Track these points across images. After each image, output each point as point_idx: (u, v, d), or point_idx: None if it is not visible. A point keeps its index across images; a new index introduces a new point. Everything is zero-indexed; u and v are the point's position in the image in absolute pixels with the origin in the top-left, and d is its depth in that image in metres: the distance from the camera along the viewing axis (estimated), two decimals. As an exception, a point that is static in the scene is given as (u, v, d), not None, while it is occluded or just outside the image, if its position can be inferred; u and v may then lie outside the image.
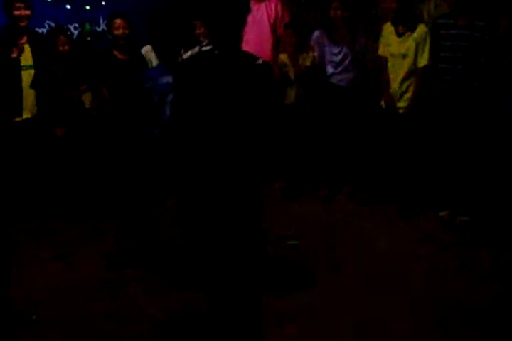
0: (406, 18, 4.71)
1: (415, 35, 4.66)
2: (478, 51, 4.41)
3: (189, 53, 4.33)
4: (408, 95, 4.77)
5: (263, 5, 5.38)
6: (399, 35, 4.74)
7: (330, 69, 5.11)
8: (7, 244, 3.17)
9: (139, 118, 4.32)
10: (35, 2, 4.93)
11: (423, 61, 4.66)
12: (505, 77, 4.45)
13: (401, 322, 3.37)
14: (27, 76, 4.78)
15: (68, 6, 5.50)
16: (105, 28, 5.51)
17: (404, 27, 4.70)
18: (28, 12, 4.72)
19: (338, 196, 5.26)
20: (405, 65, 4.73)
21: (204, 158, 2.66)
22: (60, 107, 4.89)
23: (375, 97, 5.04)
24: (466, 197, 4.66)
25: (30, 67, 4.79)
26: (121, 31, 4.92)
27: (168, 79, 3.45)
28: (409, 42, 4.68)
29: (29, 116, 4.86)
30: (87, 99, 5.05)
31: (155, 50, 4.90)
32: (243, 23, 2.67)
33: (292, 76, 5.16)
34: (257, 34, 5.30)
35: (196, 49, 4.70)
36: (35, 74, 4.81)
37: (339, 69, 5.08)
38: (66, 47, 4.87)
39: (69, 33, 5.21)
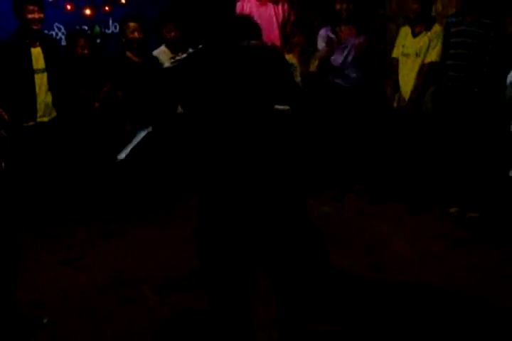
0: (424, 19, 4.76)
1: (429, 33, 4.71)
2: (484, 48, 4.44)
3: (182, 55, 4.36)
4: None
5: (270, 5, 5.42)
6: (414, 35, 4.79)
7: (334, 66, 5.13)
8: (12, 248, 3.19)
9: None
10: (44, 5, 4.92)
11: (430, 57, 4.71)
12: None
13: (412, 320, 3.39)
14: (39, 80, 4.80)
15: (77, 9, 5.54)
16: (115, 31, 5.57)
17: (422, 26, 4.75)
18: (41, 15, 4.70)
19: (348, 195, 5.29)
20: (417, 65, 4.78)
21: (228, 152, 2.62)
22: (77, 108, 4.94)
23: (382, 97, 5.09)
24: (476, 193, 4.68)
25: (42, 70, 4.81)
26: (135, 34, 4.98)
27: None
28: (423, 41, 4.73)
29: (44, 119, 4.89)
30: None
31: None
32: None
33: (299, 76, 5.19)
34: (265, 35, 5.33)
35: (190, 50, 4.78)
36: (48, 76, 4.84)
37: (342, 66, 5.10)
38: (85, 51, 4.93)
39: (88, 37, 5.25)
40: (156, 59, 5.10)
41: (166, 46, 5.45)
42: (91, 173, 5.04)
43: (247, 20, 3.62)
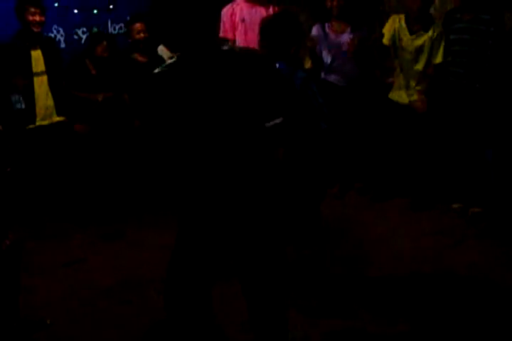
0: (423, 18, 4.78)
1: (430, 33, 4.74)
2: (484, 44, 4.47)
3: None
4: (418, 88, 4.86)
5: (260, 7, 5.34)
6: (411, 32, 4.81)
7: (326, 64, 5.13)
8: (13, 249, 3.19)
9: None
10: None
11: (438, 58, 4.75)
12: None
13: (419, 315, 3.40)
14: (39, 82, 4.80)
15: (76, 11, 5.54)
16: (113, 32, 5.57)
17: (419, 25, 4.78)
18: (42, 18, 4.70)
19: (350, 192, 5.29)
20: (420, 61, 4.81)
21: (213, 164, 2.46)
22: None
23: (379, 93, 5.10)
24: (478, 188, 4.68)
25: (42, 73, 4.81)
26: (141, 35, 5.04)
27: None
28: (425, 40, 4.75)
29: (44, 123, 4.88)
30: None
31: None
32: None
33: None
34: (257, 36, 5.31)
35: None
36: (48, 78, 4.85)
37: (335, 64, 5.11)
38: (105, 54, 5.02)
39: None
40: (160, 57, 5.10)
41: (164, 45, 5.45)
42: (91, 175, 5.04)
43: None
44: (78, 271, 4.15)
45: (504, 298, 3.56)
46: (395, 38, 4.88)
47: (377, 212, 4.92)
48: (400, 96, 4.95)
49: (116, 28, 5.66)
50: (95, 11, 5.63)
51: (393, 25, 4.90)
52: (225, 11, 5.39)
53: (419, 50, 4.77)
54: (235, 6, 5.39)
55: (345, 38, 5.03)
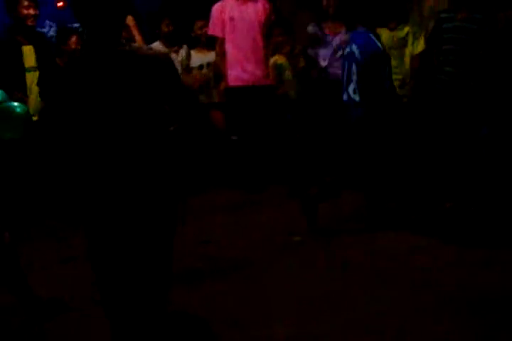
0: (397, 14, 5.02)
1: (408, 27, 4.99)
2: (477, 43, 4.52)
3: None
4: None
5: (250, 4, 5.31)
6: (391, 29, 5.02)
7: (322, 63, 5.10)
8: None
9: None
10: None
11: (419, 47, 4.95)
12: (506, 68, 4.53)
13: (403, 315, 3.32)
14: (31, 78, 4.74)
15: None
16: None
17: (394, 22, 5.03)
18: (36, 11, 4.64)
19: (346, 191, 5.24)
20: (407, 53, 5.03)
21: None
22: None
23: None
24: (471, 188, 4.67)
25: (34, 68, 4.75)
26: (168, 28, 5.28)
27: None
28: (405, 32, 5.00)
29: (35, 118, 4.82)
30: None
31: None
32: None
33: (290, 76, 5.14)
34: (248, 35, 5.28)
35: None
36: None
37: (331, 62, 5.06)
38: (78, 47, 4.94)
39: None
40: None
41: (161, 41, 5.42)
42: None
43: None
44: (74, 267, 4.10)
45: (490, 294, 3.50)
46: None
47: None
48: None
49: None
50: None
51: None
52: (215, 9, 5.35)
53: (402, 44, 4.97)
54: (225, 3, 5.34)
55: (341, 38, 4.99)
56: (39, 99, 4.79)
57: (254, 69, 5.33)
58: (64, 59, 4.97)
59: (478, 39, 4.51)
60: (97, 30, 2.37)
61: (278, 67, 5.18)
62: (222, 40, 5.35)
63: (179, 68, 5.39)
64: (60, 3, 5.51)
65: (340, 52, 4.96)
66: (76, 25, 5.45)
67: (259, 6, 5.32)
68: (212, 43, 5.50)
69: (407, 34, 5.00)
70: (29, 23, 4.64)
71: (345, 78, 4.32)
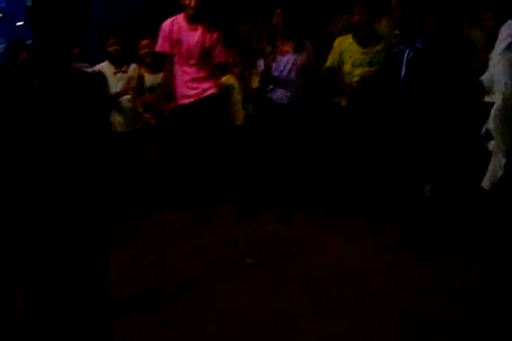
0: (370, 32, 4.95)
1: (382, 45, 4.92)
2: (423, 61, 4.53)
3: None
4: None
5: (200, 31, 5.24)
6: (364, 45, 4.94)
7: (269, 86, 5.13)
8: None
9: None
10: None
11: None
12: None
13: (357, 336, 3.32)
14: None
15: (21, 23, 5.41)
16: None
17: (370, 38, 4.94)
18: None
19: (297, 212, 5.26)
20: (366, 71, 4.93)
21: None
22: None
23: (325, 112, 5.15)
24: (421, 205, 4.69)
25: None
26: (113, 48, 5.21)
27: None
28: (379, 51, 4.92)
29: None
30: None
31: None
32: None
33: (240, 97, 5.14)
34: (190, 59, 5.26)
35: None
36: None
37: (280, 83, 5.10)
38: None
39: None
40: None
41: (109, 61, 5.35)
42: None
43: None
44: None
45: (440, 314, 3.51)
46: (343, 59, 4.97)
47: (326, 229, 4.87)
48: None
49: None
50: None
51: (339, 48, 4.99)
52: (164, 27, 5.28)
53: (375, 62, 4.89)
54: (175, 23, 5.27)
55: (290, 57, 5.04)
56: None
57: (199, 85, 5.26)
58: None
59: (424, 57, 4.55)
60: (51, 41, 2.15)
61: (226, 88, 5.18)
62: (172, 57, 5.30)
63: (128, 87, 5.35)
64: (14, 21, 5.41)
65: (286, 73, 5.03)
66: (28, 41, 5.42)
67: (209, 35, 5.24)
68: (158, 64, 5.44)
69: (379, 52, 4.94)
70: None
71: None
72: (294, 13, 5.07)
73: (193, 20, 5.19)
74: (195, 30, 5.22)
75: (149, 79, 5.44)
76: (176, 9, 5.31)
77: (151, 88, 5.42)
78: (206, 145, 5.33)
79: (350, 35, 4.98)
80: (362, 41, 4.94)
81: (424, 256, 4.32)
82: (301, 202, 5.33)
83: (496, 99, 3.80)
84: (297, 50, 5.06)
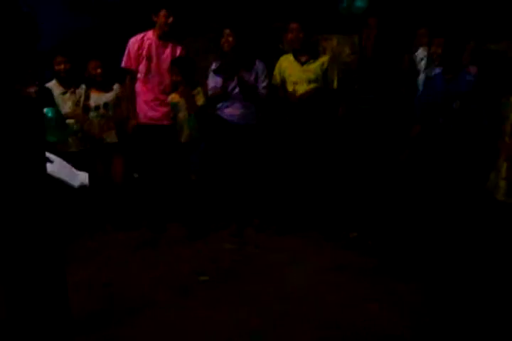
0: (309, 49, 5.01)
1: (319, 62, 4.99)
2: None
3: None
4: None
5: (169, 48, 5.29)
6: (302, 63, 5.01)
7: (219, 103, 5.17)
8: None
9: None
10: None
11: (335, 84, 5.03)
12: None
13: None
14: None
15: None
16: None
17: (306, 55, 5.02)
18: None
19: (247, 230, 5.26)
20: (309, 88, 4.99)
21: None
22: None
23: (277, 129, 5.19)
24: (375, 217, 4.85)
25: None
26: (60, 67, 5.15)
27: None
28: (316, 68, 4.98)
29: None
30: None
31: None
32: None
33: (185, 115, 5.14)
34: (160, 76, 5.29)
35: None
36: None
37: (227, 102, 5.13)
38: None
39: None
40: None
41: (57, 80, 5.25)
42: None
43: None
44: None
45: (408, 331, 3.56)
46: (284, 77, 5.05)
47: (277, 247, 4.89)
48: None
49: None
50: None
51: (280, 66, 5.09)
52: (132, 43, 5.28)
53: (314, 79, 4.96)
54: (145, 39, 5.28)
55: (236, 77, 5.05)
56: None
57: (160, 108, 5.30)
58: None
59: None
60: None
61: (173, 106, 5.17)
62: (135, 74, 5.28)
63: (77, 107, 5.27)
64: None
65: (235, 93, 5.07)
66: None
67: (177, 50, 5.30)
68: (107, 84, 5.40)
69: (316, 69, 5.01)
70: None
71: None
72: (243, 33, 5.10)
73: (164, 37, 5.24)
74: (166, 47, 5.27)
75: (94, 98, 5.35)
76: (128, 27, 5.33)
77: (97, 107, 5.32)
78: (158, 163, 5.32)
79: (291, 53, 5.08)
80: (299, 59, 5.03)
81: (377, 273, 4.37)
82: (252, 219, 5.34)
83: None
84: (246, 70, 5.09)
